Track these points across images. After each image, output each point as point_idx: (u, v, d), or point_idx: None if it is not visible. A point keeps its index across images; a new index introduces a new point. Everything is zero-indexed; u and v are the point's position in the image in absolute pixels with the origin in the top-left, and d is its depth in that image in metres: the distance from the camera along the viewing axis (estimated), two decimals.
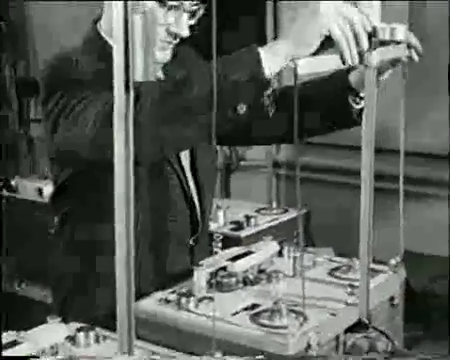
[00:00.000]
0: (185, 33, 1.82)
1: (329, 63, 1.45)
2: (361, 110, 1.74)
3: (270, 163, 3.86)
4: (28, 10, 4.54)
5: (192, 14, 1.83)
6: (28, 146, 4.81)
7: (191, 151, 1.96)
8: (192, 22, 1.84)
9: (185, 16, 1.81)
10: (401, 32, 1.48)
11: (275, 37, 3.62)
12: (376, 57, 1.46)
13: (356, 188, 1.60)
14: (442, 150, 3.20)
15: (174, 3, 1.78)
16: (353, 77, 1.82)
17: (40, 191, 3.77)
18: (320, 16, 1.44)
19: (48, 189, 3.72)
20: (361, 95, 1.79)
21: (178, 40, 1.85)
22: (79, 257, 1.93)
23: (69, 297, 1.95)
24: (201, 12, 1.84)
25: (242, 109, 1.46)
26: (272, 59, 1.45)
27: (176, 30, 1.81)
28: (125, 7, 0.84)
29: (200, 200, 1.97)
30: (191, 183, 1.96)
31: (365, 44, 1.46)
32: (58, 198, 1.96)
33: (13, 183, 3.92)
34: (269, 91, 1.48)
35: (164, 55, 1.84)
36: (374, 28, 1.46)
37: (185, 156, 1.94)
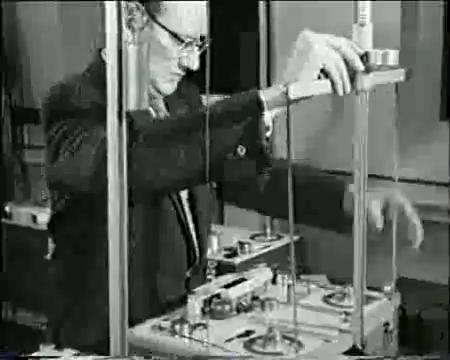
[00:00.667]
0: (196, 66, 1.85)
1: (321, 87, 1.46)
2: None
3: None
4: (21, 30, 4.55)
5: (200, 47, 1.86)
6: (22, 172, 4.82)
7: None
8: (199, 53, 1.86)
9: (196, 50, 1.85)
10: (393, 57, 1.48)
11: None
12: (369, 82, 1.47)
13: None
14: (438, 177, 3.20)
15: (190, 40, 1.81)
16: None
17: (34, 218, 3.77)
18: (313, 55, 1.45)
19: (42, 216, 3.73)
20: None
21: (185, 72, 1.87)
22: (74, 284, 1.93)
23: (64, 323, 1.94)
24: (207, 45, 1.85)
25: (242, 151, 1.46)
26: (271, 101, 1.45)
27: (188, 64, 1.84)
28: (119, 37, 0.85)
29: (197, 230, 1.97)
30: (188, 212, 1.96)
31: (360, 66, 1.46)
32: (55, 224, 1.96)
33: (7, 209, 3.91)
34: (269, 133, 1.48)
35: (171, 86, 1.88)
36: (366, 53, 1.47)
37: None
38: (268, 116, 1.45)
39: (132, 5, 1.77)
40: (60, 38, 4.35)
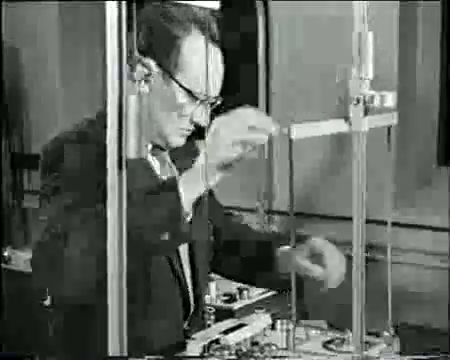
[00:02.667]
0: (205, 123, 1.86)
1: (324, 129, 1.47)
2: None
3: None
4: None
5: (212, 104, 1.91)
6: (21, 217, 4.82)
7: None
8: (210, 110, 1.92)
9: (208, 107, 1.89)
10: (390, 99, 1.49)
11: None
12: (366, 124, 1.48)
13: (349, 258, 1.60)
14: (437, 222, 3.20)
15: (204, 98, 1.84)
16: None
17: None
18: (218, 149, 1.61)
19: None
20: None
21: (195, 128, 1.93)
22: (74, 329, 1.92)
23: None
24: (218, 102, 1.91)
25: (166, 236, 1.62)
26: (191, 191, 1.63)
27: (198, 120, 1.87)
28: (120, 87, 0.87)
29: (194, 280, 1.98)
30: (185, 263, 1.97)
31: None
32: None
33: (6, 254, 3.90)
34: (189, 218, 1.65)
35: (181, 141, 1.92)
36: (364, 95, 1.48)
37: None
38: (187, 203, 1.62)
39: (134, 57, 1.80)
40: (60, 84, 4.38)
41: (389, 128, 1.58)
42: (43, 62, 4.37)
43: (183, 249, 1.95)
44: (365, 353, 1.60)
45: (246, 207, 3.67)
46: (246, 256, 2.13)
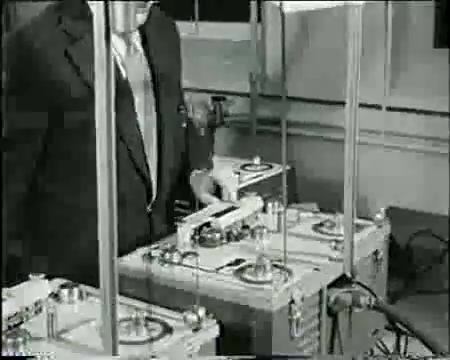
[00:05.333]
0: None
1: (317, 2, 1.42)
2: None
3: (254, 119, 3.84)
4: None
5: None
6: None
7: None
8: None
9: None
10: None
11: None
12: None
13: (341, 142, 1.59)
14: (430, 106, 3.18)
15: None
16: None
17: None
18: None
19: None
20: None
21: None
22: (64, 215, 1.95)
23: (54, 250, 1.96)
24: None
25: None
26: None
27: None
28: None
29: (159, 165, 2.01)
30: (152, 150, 1.99)
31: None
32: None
33: None
34: None
35: (140, 17, 1.85)
36: None
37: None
38: None
39: None
40: None
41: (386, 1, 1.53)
42: None
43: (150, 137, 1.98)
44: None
45: (236, 90, 3.63)
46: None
